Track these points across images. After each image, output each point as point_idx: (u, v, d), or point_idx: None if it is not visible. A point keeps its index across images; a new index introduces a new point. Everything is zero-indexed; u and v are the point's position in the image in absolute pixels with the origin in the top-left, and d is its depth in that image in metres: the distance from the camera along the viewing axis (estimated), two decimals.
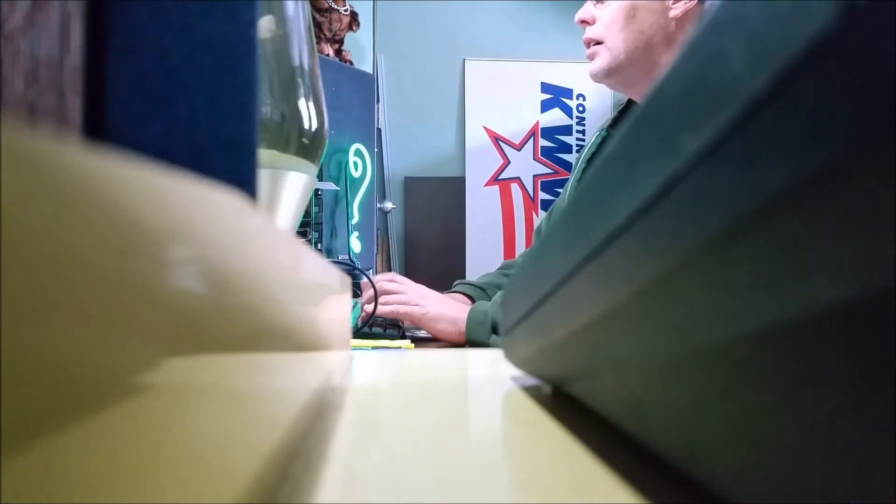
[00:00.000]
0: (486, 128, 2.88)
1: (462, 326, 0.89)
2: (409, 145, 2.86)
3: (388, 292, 0.95)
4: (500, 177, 2.88)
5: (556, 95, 2.92)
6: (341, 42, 2.24)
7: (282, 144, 0.39)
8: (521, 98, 2.90)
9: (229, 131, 0.20)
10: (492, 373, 0.42)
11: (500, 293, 0.95)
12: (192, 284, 0.10)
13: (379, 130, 2.68)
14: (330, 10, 2.14)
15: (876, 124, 0.07)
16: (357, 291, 1.02)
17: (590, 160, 1.08)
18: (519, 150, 2.89)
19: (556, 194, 2.77)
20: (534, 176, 2.90)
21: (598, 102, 2.90)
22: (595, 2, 1.00)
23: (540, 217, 2.83)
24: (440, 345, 0.90)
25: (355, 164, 1.67)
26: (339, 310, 0.36)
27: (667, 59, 1.06)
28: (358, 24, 2.29)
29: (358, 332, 0.87)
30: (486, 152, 2.87)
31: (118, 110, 0.18)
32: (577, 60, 2.74)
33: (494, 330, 0.86)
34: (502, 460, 0.21)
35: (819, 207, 0.08)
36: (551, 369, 0.26)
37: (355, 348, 0.72)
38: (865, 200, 0.07)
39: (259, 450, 0.14)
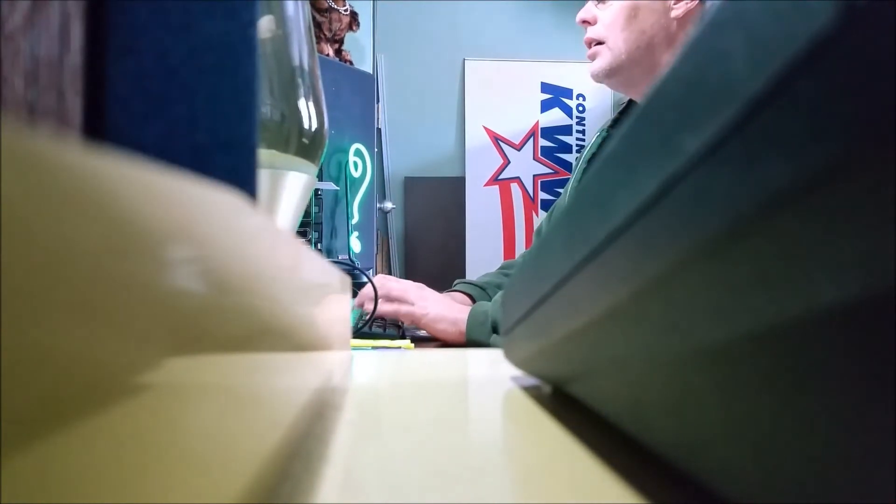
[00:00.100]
0: (486, 128, 2.88)
1: (462, 326, 0.89)
2: (409, 145, 2.86)
3: (388, 292, 0.95)
4: (500, 177, 2.88)
5: (556, 95, 2.92)
6: (341, 42, 2.24)
7: (282, 144, 0.39)
8: (521, 98, 2.90)
9: (229, 131, 0.20)
10: (492, 373, 0.42)
11: (500, 293, 0.95)
12: (192, 284, 0.10)
13: (379, 130, 2.69)
14: (330, 10, 2.14)
15: (876, 124, 0.07)
16: (357, 292, 1.02)
17: (590, 160, 1.08)
18: (519, 150, 2.90)
19: (556, 194, 2.78)
20: (534, 176, 2.90)
21: (598, 102, 2.90)
22: (596, 2, 1.00)
23: (540, 217, 2.83)
24: (440, 345, 0.90)
25: (355, 164, 1.67)
26: (338, 310, 0.36)
27: (668, 60, 1.06)
28: (358, 24, 2.29)
29: (358, 332, 0.87)
30: (486, 152, 2.87)
31: (118, 110, 0.18)
32: (577, 60, 2.75)
33: (495, 330, 0.86)
34: (502, 460, 0.21)
35: (819, 207, 0.08)
36: (551, 369, 0.26)
37: (355, 348, 0.72)
38: (865, 200, 0.07)
39: (259, 450, 0.14)
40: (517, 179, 2.89)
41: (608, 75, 0.99)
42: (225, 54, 0.20)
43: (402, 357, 0.53)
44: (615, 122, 1.09)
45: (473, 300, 1.06)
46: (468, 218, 2.83)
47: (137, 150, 0.18)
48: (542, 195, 2.89)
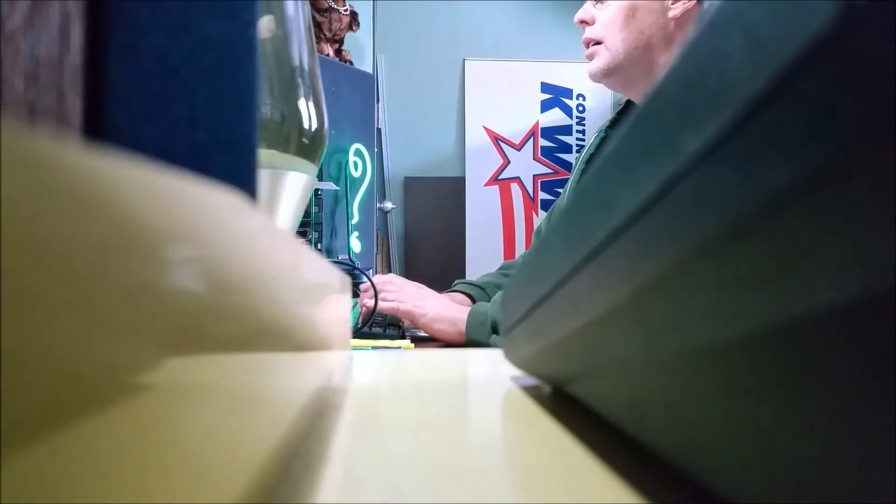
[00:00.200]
0: (486, 128, 2.88)
1: (462, 327, 0.89)
2: (409, 145, 2.86)
3: (387, 293, 0.95)
4: (500, 177, 2.88)
5: (556, 95, 2.92)
6: (341, 42, 2.24)
7: (282, 144, 0.39)
8: (521, 98, 2.90)
9: (229, 131, 0.20)
10: (492, 373, 0.42)
11: (500, 293, 0.95)
12: (192, 284, 0.10)
13: (379, 130, 2.68)
14: (330, 10, 2.14)
15: (876, 124, 0.07)
16: (357, 291, 1.02)
17: (588, 161, 1.08)
18: (519, 150, 2.89)
19: (556, 194, 2.77)
20: (534, 176, 2.90)
21: (598, 102, 2.90)
22: (594, 2, 1.00)
23: (540, 217, 2.83)
24: (440, 345, 0.90)
25: (355, 164, 1.67)
26: (339, 310, 0.36)
27: (666, 60, 1.06)
28: (358, 24, 2.29)
29: (358, 332, 0.87)
30: (486, 152, 2.87)
31: (118, 110, 0.18)
32: (577, 60, 2.74)
33: (494, 330, 0.86)
34: (502, 460, 0.21)
35: (819, 207, 0.08)
36: (551, 369, 0.26)
37: (355, 348, 0.72)
38: (865, 200, 0.07)
39: (259, 450, 0.14)
40: (517, 179, 2.89)
41: (606, 75, 0.99)
42: (225, 54, 0.20)
43: (402, 357, 0.53)
44: (613, 123, 1.09)
45: (473, 300, 1.06)
46: (468, 218, 2.82)
47: (137, 150, 0.18)
48: (542, 195, 2.89)
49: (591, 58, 1.00)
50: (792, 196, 0.08)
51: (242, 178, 0.20)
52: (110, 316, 0.07)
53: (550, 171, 2.91)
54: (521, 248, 2.84)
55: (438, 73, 2.89)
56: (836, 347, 0.09)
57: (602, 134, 1.10)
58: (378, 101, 2.62)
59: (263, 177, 0.38)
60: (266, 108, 0.38)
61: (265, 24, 0.39)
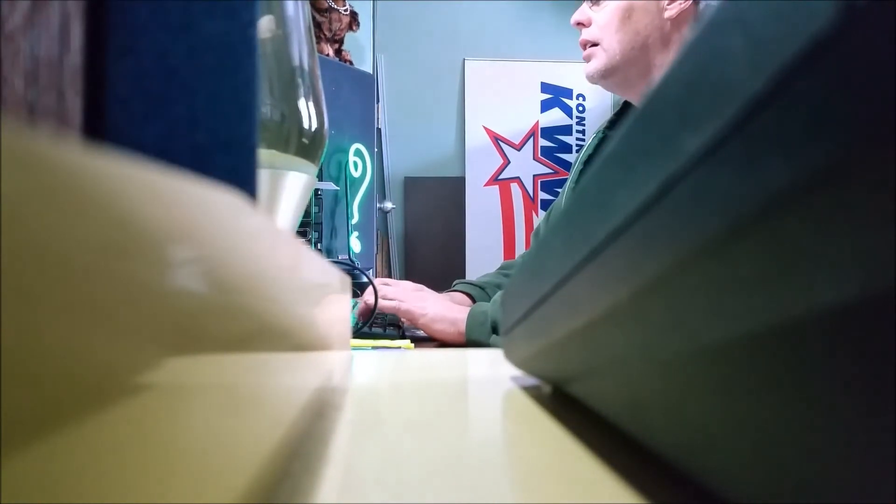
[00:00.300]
0: (486, 128, 2.88)
1: (462, 327, 0.89)
2: (409, 145, 2.86)
3: (385, 295, 0.95)
4: (500, 177, 2.88)
5: (556, 95, 2.92)
6: (341, 42, 2.24)
7: (282, 144, 0.39)
8: (521, 98, 2.90)
9: (229, 131, 0.20)
10: (492, 373, 0.42)
11: (499, 293, 0.95)
12: (191, 284, 0.10)
13: (379, 130, 2.68)
14: (330, 10, 2.14)
15: (876, 124, 0.07)
16: (357, 291, 1.02)
17: (587, 162, 1.08)
18: (519, 150, 2.89)
19: (556, 194, 2.77)
20: (534, 176, 2.90)
21: (598, 102, 2.90)
22: (591, 4, 1.00)
23: (540, 217, 2.83)
24: (440, 345, 0.90)
25: (355, 163, 1.67)
26: (338, 310, 0.36)
27: (662, 60, 1.06)
28: (358, 24, 2.29)
29: (358, 332, 0.87)
30: (485, 152, 2.87)
31: (118, 110, 0.18)
32: (577, 60, 2.73)
33: (494, 330, 0.86)
34: (502, 460, 0.21)
35: (819, 207, 0.08)
36: (551, 369, 0.26)
37: (355, 348, 0.72)
38: (865, 200, 0.07)
39: (259, 450, 0.14)
40: (517, 179, 2.89)
41: (603, 76, 0.99)
42: (225, 54, 0.20)
43: (402, 357, 0.53)
44: (612, 124, 1.09)
45: (473, 300, 1.06)
46: (468, 218, 2.82)
47: (137, 150, 0.18)
48: (542, 195, 2.89)
49: (588, 59, 1.00)
50: (792, 196, 0.08)
51: (242, 178, 0.20)
52: (110, 316, 0.07)
53: (550, 171, 2.91)
54: (521, 248, 2.83)
55: (438, 73, 2.89)
56: (836, 347, 0.09)
57: (600, 135, 1.10)
58: (378, 101, 2.62)
59: (263, 177, 0.38)
60: (266, 108, 0.38)
61: (265, 24, 0.39)
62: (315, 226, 1.20)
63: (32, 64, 0.17)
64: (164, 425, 0.09)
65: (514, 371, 0.35)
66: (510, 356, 0.32)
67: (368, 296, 0.93)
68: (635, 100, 1.03)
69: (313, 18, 2.02)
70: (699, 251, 0.10)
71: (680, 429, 0.14)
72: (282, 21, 0.40)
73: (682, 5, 0.95)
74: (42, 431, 0.06)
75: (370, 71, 2.60)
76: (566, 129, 2.92)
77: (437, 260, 2.80)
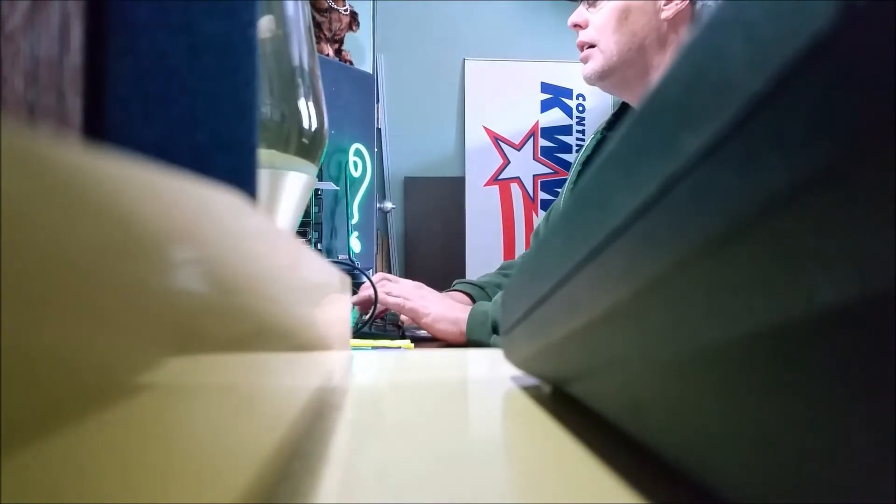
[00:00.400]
0: (486, 128, 2.88)
1: (463, 326, 0.89)
2: (409, 145, 2.86)
3: (388, 293, 0.95)
4: (500, 177, 2.88)
5: (556, 95, 2.92)
6: (341, 42, 2.24)
7: (282, 144, 0.39)
8: (521, 98, 2.90)
9: (229, 131, 0.20)
10: (492, 373, 0.42)
11: (500, 293, 0.95)
12: (191, 284, 0.10)
13: (379, 130, 2.68)
14: (330, 10, 2.14)
15: (876, 124, 0.07)
16: (357, 291, 1.02)
17: (585, 163, 1.08)
18: (519, 150, 2.89)
19: (556, 194, 2.77)
20: (534, 176, 2.90)
21: (598, 102, 2.90)
22: (587, 5, 1.00)
23: (540, 217, 2.83)
24: (440, 345, 0.90)
25: (355, 163, 1.67)
26: (338, 310, 0.36)
27: (659, 61, 1.06)
28: (358, 24, 2.29)
29: (358, 332, 0.87)
30: (485, 152, 2.87)
31: (118, 110, 0.18)
32: (576, 60, 2.73)
33: (495, 330, 0.86)
34: (502, 460, 0.21)
35: (819, 207, 0.08)
36: (551, 369, 0.26)
37: (355, 348, 0.72)
38: (866, 200, 0.07)
39: (259, 450, 0.14)
40: (517, 179, 2.89)
41: (601, 77, 0.99)
42: (225, 54, 0.20)
43: (402, 357, 0.53)
44: (610, 125, 1.09)
45: (473, 300, 1.07)
46: (468, 218, 2.82)
47: (137, 150, 0.18)
48: (542, 195, 2.89)
49: (585, 61, 1.00)
50: (792, 196, 0.08)
51: (242, 178, 0.20)
52: (110, 316, 0.07)
53: (550, 171, 2.91)
54: (520, 248, 2.83)
55: (438, 73, 2.89)
56: (837, 348, 0.09)
57: (599, 135, 1.10)
58: (378, 101, 2.62)
59: (263, 177, 0.38)
60: (266, 108, 0.38)
61: (265, 24, 0.39)
62: (315, 226, 1.20)
63: (32, 64, 0.17)
64: (164, 425, 0.09)
65: (514, 371, 0.35)
66: (510, 356, 0.32)
67: (367, 290, 0.93)
68: (633, 101, 1.03)
69: (313, 18, 2.02)
70: (699, 251, 0.10)
71: (680, 429, 0.14)
72: (282, 21, 0.40)
73: (679, 6, 0.95)
74: (42, 431, 0.06)
75: (370, 71, 2.60)
76: (566, 130, 2.92)
77: (437, 260, 2.80)
